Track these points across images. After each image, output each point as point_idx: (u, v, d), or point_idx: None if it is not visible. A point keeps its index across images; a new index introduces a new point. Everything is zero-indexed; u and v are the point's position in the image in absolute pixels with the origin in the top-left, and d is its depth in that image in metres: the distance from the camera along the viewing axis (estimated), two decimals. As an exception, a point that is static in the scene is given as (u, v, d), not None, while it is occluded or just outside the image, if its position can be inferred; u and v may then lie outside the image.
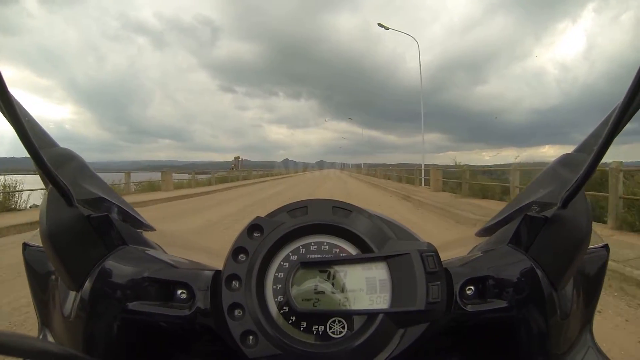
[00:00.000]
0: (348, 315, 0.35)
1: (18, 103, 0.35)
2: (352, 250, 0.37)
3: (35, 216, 5.59)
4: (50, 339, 0.42)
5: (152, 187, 14.72)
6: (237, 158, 44.13)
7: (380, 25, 20.29)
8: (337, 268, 0.36)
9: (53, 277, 0.42)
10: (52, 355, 0.21)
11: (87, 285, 0.36)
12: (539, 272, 0.38)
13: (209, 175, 21.09)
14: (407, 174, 19.45)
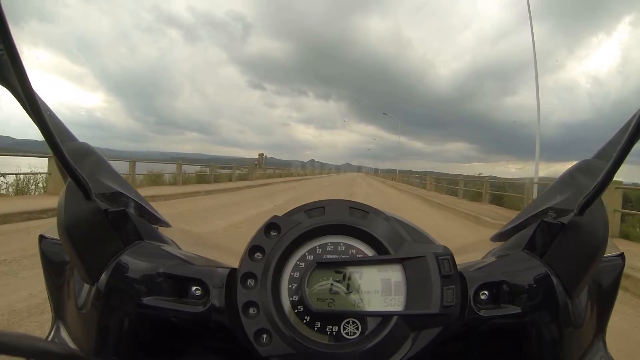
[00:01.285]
0: (362, 317, 0.35)
1: (40, 98, 0.36)
2: (368, 251, 0.37)
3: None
4: (63, 331, 0.42)
5: (152, 180, 12.89)
6: (261, 155, 42.90)
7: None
8: (352, 269, 0.36)
9: (68, 269, 0.43)
10: (54, 354, 0.22)
11: (103, 278, 0.36)
12: (553, 279, 0.37)
13: (230, 171, 19.36)
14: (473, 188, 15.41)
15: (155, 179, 12.85)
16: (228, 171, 19.15)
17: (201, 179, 15.36)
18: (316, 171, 62.79)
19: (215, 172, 16.84)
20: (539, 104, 11.66)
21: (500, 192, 12.36)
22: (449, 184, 17.94)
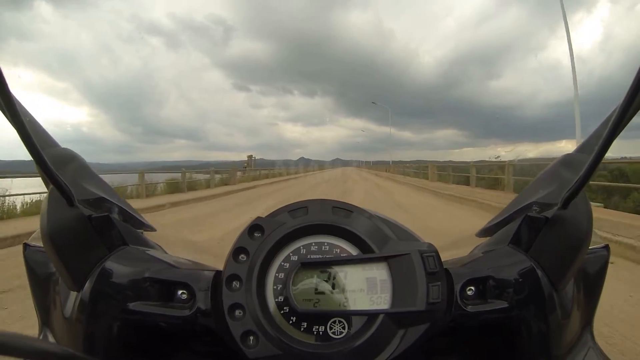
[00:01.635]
0: (348, 316, 0.36)
1: (19, 103, 0.37)
2: (352, 250, 0.39)
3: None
4: (50, 339, 0.44)
5: (123, 191, 11.46)
6: (250, 157, 40.89)
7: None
8: (337, 268, 0.37)
9: (54, 277, 0.44)
10: (52, 355, 0.22)
11: (88, 285, 0.38)
12: (539, 272, 0.39)
13: (209, 176, 16.89)
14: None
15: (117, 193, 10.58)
16: (207, 176, 17.09)
17: (175, 187, 13.88)
18: (307, 169, 60.44)
19: (190, 179, 15.28)
20: (576, 80, 11.04)
21: (528, 177, 10.07)
22: (456, 172, 16.29)
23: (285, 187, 17.80)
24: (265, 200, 10.75)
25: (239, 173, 21.83)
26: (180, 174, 14.56)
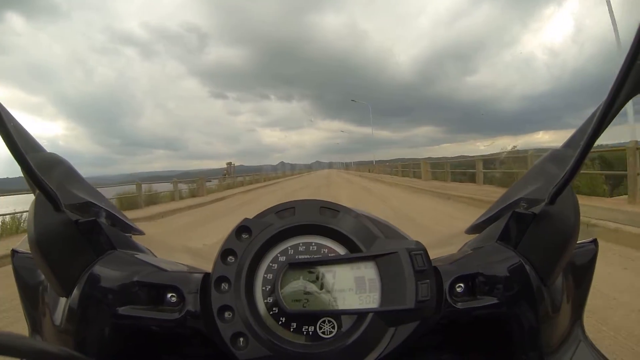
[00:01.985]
0: (338, 315, 0.38)
1: (3, 107, 0.38)
2: (340, 250, 0.40)
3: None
4: None
5: None
6: (229, 164, 38.48)
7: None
8: (325, 268, 0.38)
9: (42, 283, 0.45)
10: (50, 355, 0.23)
11: (76, 291, 0.39)
12: (528, 268, 0.40)
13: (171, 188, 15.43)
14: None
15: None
16: (171, 188, 15.55)
17: (130, 203, 12.11)
18: (287, 173, 58.18)
19: (150, 191, 13.84)
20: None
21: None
22: (455, 168, 15.41)
23: (260, 195, 16.58)
24: (233, 216, 8.24)
25: (211, 182, 19.60)
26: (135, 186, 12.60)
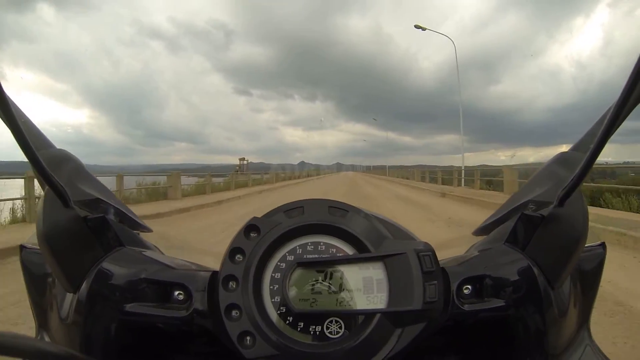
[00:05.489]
0: (345, 316, 0.38)
1: (14, 104, 0.39)
2: (348, 250, 0.40)
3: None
4: (47, 341, 0.45)
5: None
6: (242, 160, 36.86)
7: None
8: (333, 268, 0.38)
9: (50, 279, 0.45)
10: (51, 355, 0.23)
11: (84, 287, 0.39)
12: (535, 270, 0.40)
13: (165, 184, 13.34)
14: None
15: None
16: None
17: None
18: (312, 173, 56.64)
19: (141, 184, 12.26)
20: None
21: (607, 183, 8.91)
22: (490, 176, 14.83)
23: (269, 203, 12.19)
24: (223, 234, 5.89)
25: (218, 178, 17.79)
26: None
